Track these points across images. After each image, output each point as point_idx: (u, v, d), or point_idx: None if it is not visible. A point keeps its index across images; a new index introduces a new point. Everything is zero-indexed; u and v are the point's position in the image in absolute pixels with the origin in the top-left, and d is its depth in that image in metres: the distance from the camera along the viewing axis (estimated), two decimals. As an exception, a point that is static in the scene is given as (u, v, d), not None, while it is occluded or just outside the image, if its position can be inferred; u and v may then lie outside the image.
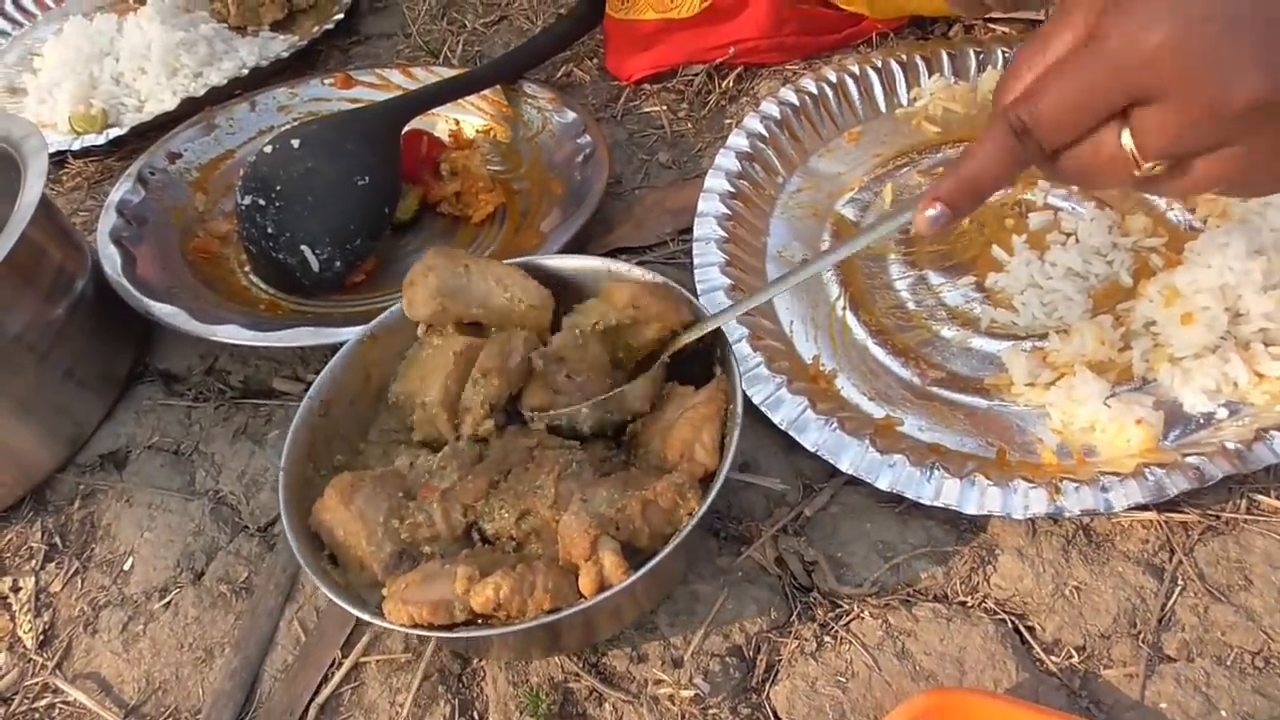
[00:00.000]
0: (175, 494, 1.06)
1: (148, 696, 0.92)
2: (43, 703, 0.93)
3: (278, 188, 1.16)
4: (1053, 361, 0.98)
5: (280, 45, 1.68)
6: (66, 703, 0.93)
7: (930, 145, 1.23)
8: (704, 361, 0.92)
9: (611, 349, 0.93)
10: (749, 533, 0.92)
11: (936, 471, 0.89)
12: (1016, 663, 0.81)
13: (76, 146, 1.52)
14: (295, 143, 1.18)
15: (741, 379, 0.86)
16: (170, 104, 1.52)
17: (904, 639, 0.83)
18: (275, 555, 0.98)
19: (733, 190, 1.18)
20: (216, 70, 1.60)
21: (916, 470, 0.90)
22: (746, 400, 0.88)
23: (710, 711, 0.81)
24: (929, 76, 1.30)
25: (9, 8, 1.88)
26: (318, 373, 1.09)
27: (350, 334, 1.03)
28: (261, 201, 1.17)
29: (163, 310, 1.11)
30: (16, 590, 1.02)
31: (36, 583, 1.02)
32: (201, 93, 1.52)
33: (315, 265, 1.16)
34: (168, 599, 0.98)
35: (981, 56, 1.29)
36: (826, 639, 0.84)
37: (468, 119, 1.42)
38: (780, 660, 0.84)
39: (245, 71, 1.57)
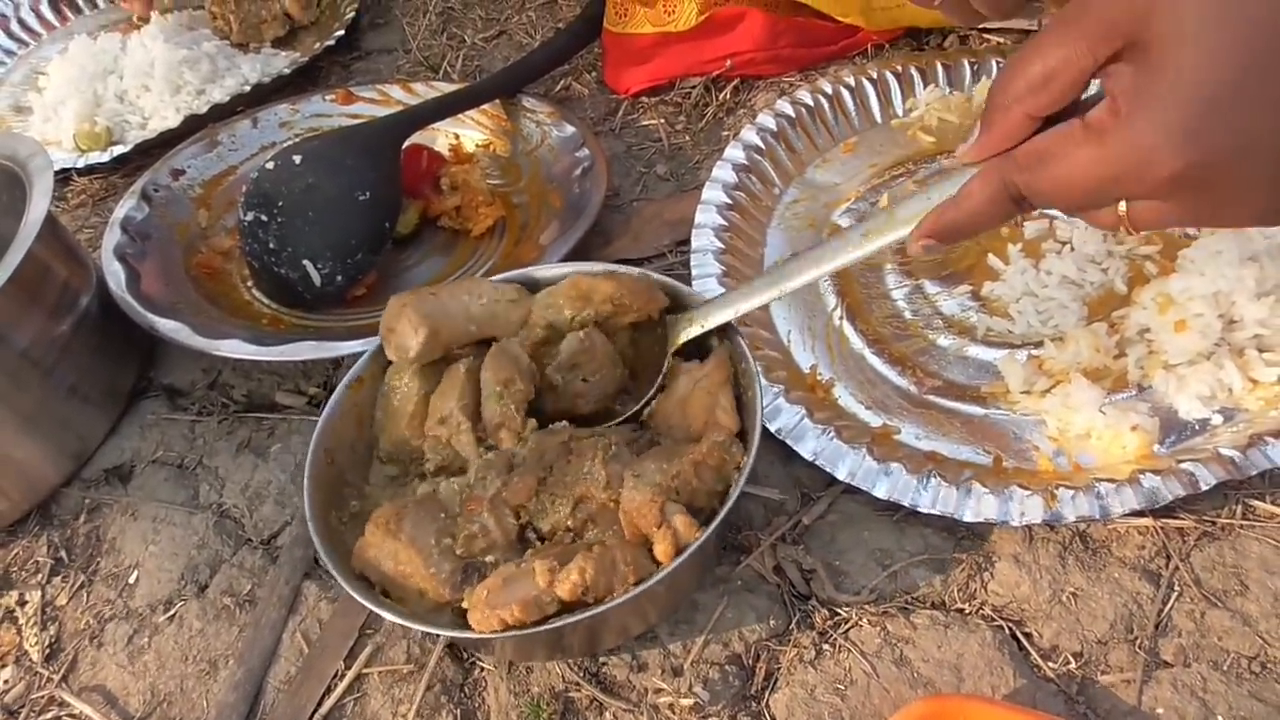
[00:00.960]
0: (179, 508, 1.06)
1: (153, 709, 0.93)
2: (48, 716, 0.94)
3: (279, 203, 1.18)
4: (1048, 369, 0.98)
5: (282, 62, 1.69)
6: (73, 715, 0.93)
7: (926, 155, 1.24)
8: (700, 338, 0.94)
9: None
10: (747, 542, 0.93)
11: (933, 479, 0.90)
12: (1014, 669, 0.81)
13: (81, 164, 1.52)
14: (297, 159, 1.19)
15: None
16: (174, 121, 1.53)
17: (902, 646, 0.84)
18: (278, 568, 0.99)
19: (730, 202, 1.19)
20: (219, 87, 1.62)
21: (913, 478, 0.90)
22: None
23: None
24: (924, 87, 1.30)
25: (14, 27, 1.89)
26: (320, 387, 1.11)
27: (351, 347, 1.04)
28: (264, 217, 1.18)
29: (167, 326, 1.12)
30: (23, 604, 1.03)
31: (43, 596, 1.03)
32: (204, 110, 1.53)
33: (317, 280, 1.17)
34: (172, 612, 0.98)
35: (976, 67, 1.30)
36: (825, 647, 0.85)
37: (467, 134, 1.43)
38: (779, 668, 0.84)
39: (248, 88, 1.58)
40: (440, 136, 1.42)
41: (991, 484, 0.89)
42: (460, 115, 1.40)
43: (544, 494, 0.85)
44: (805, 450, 0.94)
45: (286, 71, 1.62)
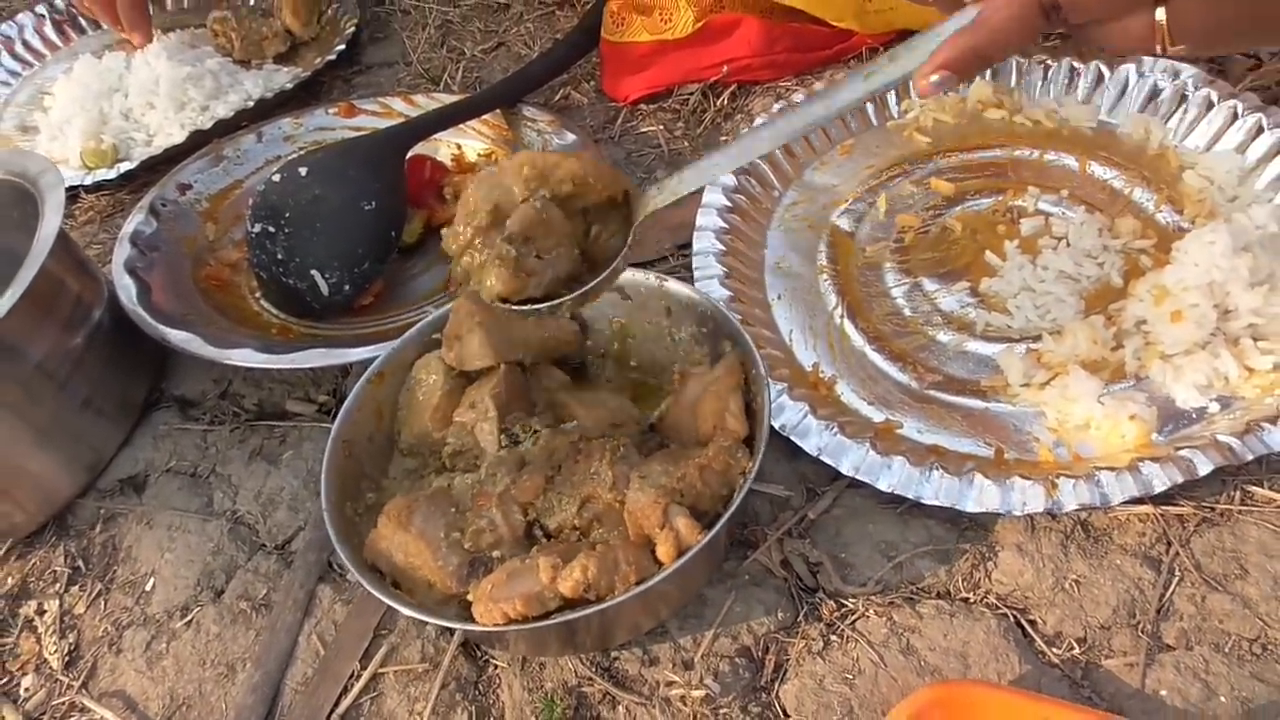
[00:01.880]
0: (194, 515, 1.08)
1: (172, 713, 0.94)
2: (70, 722, 0.96)
3: (286, 214, 1.19)
4: (1047, 362, 1.00)
5: (284, 77, 1.71)
6: (93, 721, 0.95)
7: (922, 156, 1.26)
8: (712, 341, 0.96)
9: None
10: (754, 537, 0.94)
11: (935, 472, 0.91)
12: (1019, 655, 0.83)
13: (88, 181, 1.54)
14: (303, 171, 1.21)
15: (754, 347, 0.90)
16: (179, 137, 1.54)
17: (909, 635, 0.85)
18: (293, 572, 1.01)
19: (730, 205, 1.20)
20: (223, 103, 1.63)
21: (916, 471, 0.92)
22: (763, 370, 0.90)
23: (721, 711, 0.84)
24: (919, 88, 1.32)
25: (19, 49, 1.91)
26: (330, 394, 1.12)
27: (360, 354, 1.06)
28: (271, 228, 1.19)
29: (178, 337, 1.13)
30: (42, 613, 1.04)
31: (61, 605, 1.04)
32: (209, 125, 1.54)
33: (324, 289, 1.18)
34: (189, 617, 1.00)
35: (971, 68, 1.32)
36: (833, 638, 0.87)
37: (470, 144, 1.45)
38: (788, 660, 0.86)
39: (251, 103, 1.59)
40: (443, 147, 1.44)
41: (993, 475, 0.90)
42: (462, 126, 1.41)
43: (551, 492, 0.86)
44: (809, 446, 0.96)
45: (289, 86, 1.63)
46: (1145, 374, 0.97)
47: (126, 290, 1.20)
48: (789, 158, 1.28)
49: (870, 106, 1.32)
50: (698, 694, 0.84)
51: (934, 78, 0.71)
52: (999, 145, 1.25)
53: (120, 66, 1.68)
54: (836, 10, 1.39)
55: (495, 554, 0.84)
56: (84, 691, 0.97)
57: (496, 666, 0.90)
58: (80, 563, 1.07)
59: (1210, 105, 1.16)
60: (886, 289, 1.13)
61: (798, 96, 1.32)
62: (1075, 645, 0.83)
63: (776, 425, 0.97)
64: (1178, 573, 0.86)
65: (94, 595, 1.04)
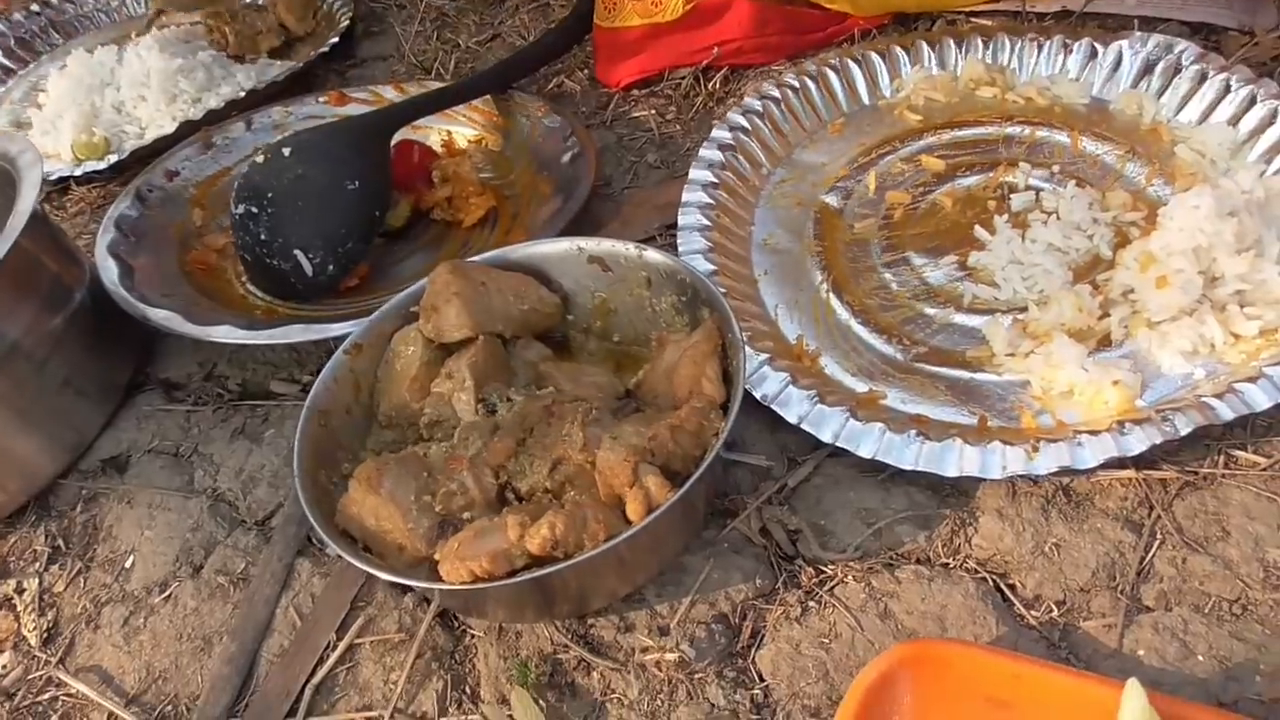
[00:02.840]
0: (175, 493, 1.07)
1: (148, 685, 0.93)
2: (46, 695, 0.95)
3: (270, 195, 1.19)
4: (1032, 331, 0.99)
5: (277, 70, 1.70)
6: (69, 695, 0.94)
7: (913, 133, 1.25)
8: (692, 310, 0.95)
9: None
10: (734, 506, 0.93)
11: (917, 438, 0.90)
12: (997, 618, 0.81)
13: (79, 173, 1.54)
14: (286, 150, 1.20)
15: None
16: (170, 128, 1.54)
17: (886, 600, 0.84)
18: (272, 546, 1.00)
19: (716, 181, 1.19)
20: (215, 95, 1.63)
21: (897, 437, 0.91)
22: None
23: (696, 676, 0.82)
24: (910, 67, 1.31)
25: (13, 45, 1.92)
26: (314, 374, 1.11)
27: (340, 329, 1.05)
28: (255, 209, 1.19)
29: (159, 315, 1.13)
30: (21, 592, 1.04)
31: (40, 584, 1.04)
32: (200, 116, 1.54)
33: (309, 269, 1.18)
34: (167, 593, 0.99)
35: (962, 46, 1.31)
36: (811, 604, 0.85)
37: (460, 130, 1.44)
38: (765, 626, 0.85)
39: (243, 94, 1.59)
40: (433, 133, 1.44)
41: (974, 440, 0.89)
42: (452, 112, 1.42)
43: (523, 455, 0.86)
44: (790, 415, 0.95)
45: (282, 79, 1.63)
46: (1131, 341, 0.96)
47: (109, 272, 1.20)
48: (778, 136, 1.27)
49: (861, 85, 1.32)
50: (671, 657, 0.83)
51: None
52: (991, 122, 1.24)
53: (112, 60, 1.69)
54: (830, -9, 1.39)
55: (466, 516, 0.83)
56: (61, 667, 0.96)
57: (473, 636, 0.89)
58: (60, 542, 1.07)
59: (1203, 79, 1.16)
60: (874, 264, 1.12)
61: (787, 75, 1.31)
62: (1054, 608, 0.82)
63: (758, 395, 0.96)
64: (1159, 535, 0.84)
65: (73, 573, 1.04)
